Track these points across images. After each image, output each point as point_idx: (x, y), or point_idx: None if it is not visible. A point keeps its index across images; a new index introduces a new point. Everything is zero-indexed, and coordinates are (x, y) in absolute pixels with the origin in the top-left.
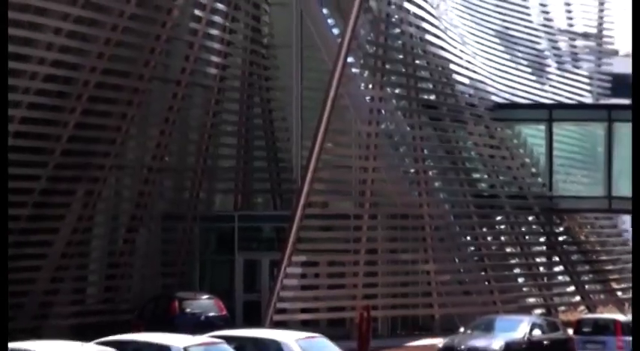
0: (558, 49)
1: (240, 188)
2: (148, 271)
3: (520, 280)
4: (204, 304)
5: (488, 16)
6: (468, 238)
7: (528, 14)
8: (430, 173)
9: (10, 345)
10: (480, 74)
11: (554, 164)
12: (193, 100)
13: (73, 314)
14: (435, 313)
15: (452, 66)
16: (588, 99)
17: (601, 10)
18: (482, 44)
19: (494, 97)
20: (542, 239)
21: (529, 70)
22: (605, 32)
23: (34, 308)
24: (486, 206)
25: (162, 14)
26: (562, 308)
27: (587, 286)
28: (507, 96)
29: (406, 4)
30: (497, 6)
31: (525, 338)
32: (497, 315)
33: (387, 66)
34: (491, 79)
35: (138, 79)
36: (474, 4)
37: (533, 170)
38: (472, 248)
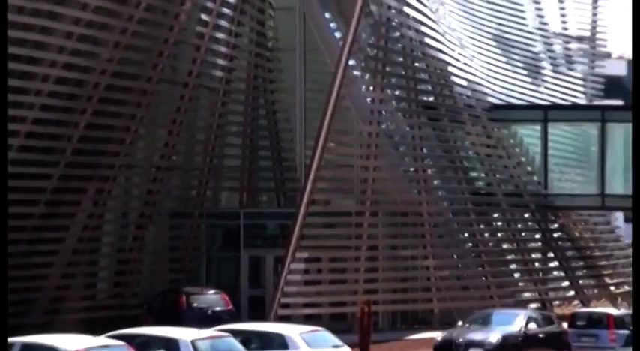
0: (553, 51)
1: (245, 187)
2: (156, 266)
3: (516, 275)
4: (211, 298)
5: (485, 20)
6: (466, 234)
7: (524, 18)
8: (429, 172)
9: (24, 338)
10: (477, 76)
11: (549, 163)
12: (200, 101)
13: (84, 309)
14: (434, 308)
15: (450, 68)
16: (582, 100)
17: (594, 14)
18: (480, 47)
19: (491, 99)
20: (537, 236)
21: (525, 72)
22: (598, 35)
23: (46, 303)
24: (483, 204)
25: (169, 18)
26: (557, 302)
27: (580, 281)
28: (504, 97)
29: (406, 9)
30: (494, 10)
31: (521, 331)
32: (494, 309)
33: (388, 68)
34: (488, 81)
35: (146, 81)
36: (471, 9)
37: (529, 169)
38: (470, 244)
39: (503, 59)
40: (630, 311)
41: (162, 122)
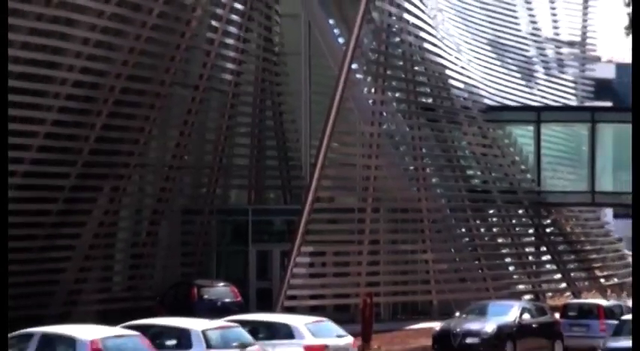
0: (545, 56)
1: (253, 184)
2: (169, 261)
3: (511, 268)
4: (221, 291)
5: (481, 26)
6: (463, 229)
7: (517, 24)
8: (428, 170)
9: (44, 329)
10: (473, 79)
11: (542, 162)
12: (210, 103)
13: (100, 301)
14: (432, 299)
15: (448, 72)
16: (573, 102)
17: (584, 20)
18: (476, 52)
19: (486, 100)
20: (531, 231)
21: (518, 75)
22: (588, 40)
23: (64, 295)
24: (480, 200)
25: (181, 25)
26: (549, 294)
27: (572, 274)
28: (499, 99)
29: (406, 16)
30: (489, 17)
31: (516, 322)
32: (490, 300)
33: (388, 72)
34: (484, 84)
35: (159, 84)
36: (467, 15)
37: (523, 167)
38: (467, 239)
39: (498, 63)
40: (619, 302)
41: (174, 123)
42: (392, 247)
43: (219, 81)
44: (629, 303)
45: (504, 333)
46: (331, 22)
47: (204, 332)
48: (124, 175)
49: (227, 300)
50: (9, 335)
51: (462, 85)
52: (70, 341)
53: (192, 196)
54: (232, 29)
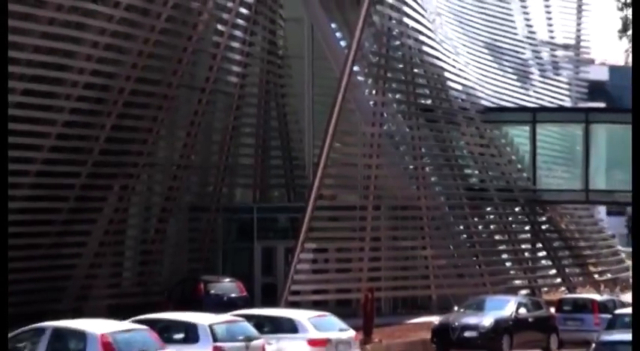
0: (540, 58)
1: (258, 183)
2: (176, 257)
3: (507, 264)
4: (227, 286)
5: (478, 29)
6: (461, 226)
7: (514, 28)
8: (427, 169)
9: (56, 323)
10: (471, 81)
11: (537, 161)
12: (216, 105)
13: (110, 296)
14: (432, 294)
15: (446, 74)
16: (567, 103)
17: (578, 24)
18: (473, 54)
19: (483, 102)
20: (527, 228)
21: (515, 77)
22: (582, 43)
23: (75, 291)
24: (477, 198)
25: (188, 29)
26: (545, 289)
27: (567, 270)
28: (495, 100)
29: (406, 19)
30: (486, 20)
31: (512, 316)
32: (487, 295)
33: (389, 74)
34: (481, 86)
35: (167, 86)
36: (465, 19)
37: (519, 166)
38: (465, 236)
39: (495, 65)
40: (613, 297)
41: (181, 124)
42: (392, 243)
43: (225, 83)
44: (622, 297)
45: (501, 327)
46: (333, 26)
47: (210, 326)
48: (133, 174)
49: (233, 295)
50: (22, 329)
51: (460, 87)
52: (81, 335)
53: (199, 194)
54: (238, 33)
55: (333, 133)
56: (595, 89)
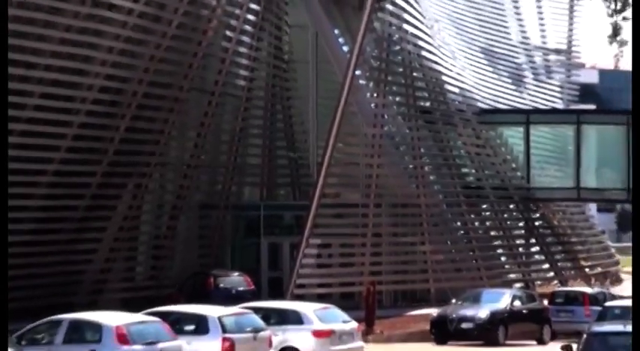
0: (534, 62)
1: (265, 182)
2: (187, 253)
3: (502, 258)
4: (235, 280)
5: (475, 35)
6: (458, 223)
7: (508, 33)
8: (426, 169)
9: (72, 315)
10: (467, 84)
11: (531, 160)
12: (225, 107)
13: (124, 289)
14: (430, 287)
15: (444, 77)
16: (559, 105)
17: (570, 30)
18: (470, 59)
19: (479, 104)
20: (521, 224)
21: (509, 80)
22: (573, 48)
23: (91, 284)
24: (473, 196)
25: (198, 35)
26: (538, 282)
27: (559, 264)
28: (491, 102)
29: (405, 26)
30: (482, 26)
31: (507, 308)
32: (483, 288)
33: (389, 78)
34: (477, 89)
35: (178, 89)
36: (462, 25)
37: (513, 165)
38: (462, 232)
39: (490, 69)
40: (603, 290)
41: (192, 125)
42: (393, 239)
43: (233, 86)
44: (612, 290)
45: (497, 318)
46: (336, 32)
47: (220, 318)
48: (146, 173)
49: (241, 288)
50: (40, 321)
51: (457, 90)
52: (97, 327)
53: (208, 192)
54: (245, 39)
55: (336, 134)
56: (586, 92)
